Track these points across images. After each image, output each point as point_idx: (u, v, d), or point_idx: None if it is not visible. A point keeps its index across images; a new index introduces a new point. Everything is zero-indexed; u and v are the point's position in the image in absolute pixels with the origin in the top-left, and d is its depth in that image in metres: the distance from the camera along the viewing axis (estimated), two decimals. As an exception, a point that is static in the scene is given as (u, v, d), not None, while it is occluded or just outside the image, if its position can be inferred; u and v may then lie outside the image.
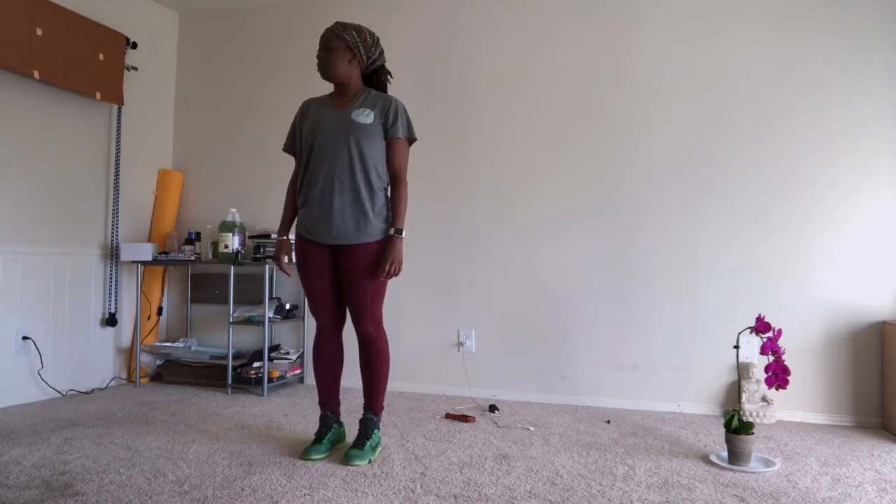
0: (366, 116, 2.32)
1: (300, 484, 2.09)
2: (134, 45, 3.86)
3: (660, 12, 3.35)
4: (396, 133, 2.36)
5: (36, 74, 3.20)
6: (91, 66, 3.51)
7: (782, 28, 3.17)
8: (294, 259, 2.53)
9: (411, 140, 2.43)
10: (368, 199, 2.32)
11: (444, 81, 3.71)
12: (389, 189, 2.41)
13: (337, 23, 2.35)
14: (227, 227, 3.66)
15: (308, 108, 2.45)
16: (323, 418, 2.46)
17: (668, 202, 3.29)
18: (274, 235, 3.67)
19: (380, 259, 2.32)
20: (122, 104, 3.75)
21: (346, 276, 2.35)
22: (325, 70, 2.34)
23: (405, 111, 2.41)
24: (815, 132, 3.11)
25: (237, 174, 4.11)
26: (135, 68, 3.91)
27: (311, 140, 2.36)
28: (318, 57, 2.34)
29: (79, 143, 3.59)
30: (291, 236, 2.50)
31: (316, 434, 2.43)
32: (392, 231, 2.32)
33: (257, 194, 4.04)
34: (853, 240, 3.05)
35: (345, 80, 2.36)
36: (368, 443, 2.35)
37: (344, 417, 2.91)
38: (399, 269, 2.31)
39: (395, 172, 2.38)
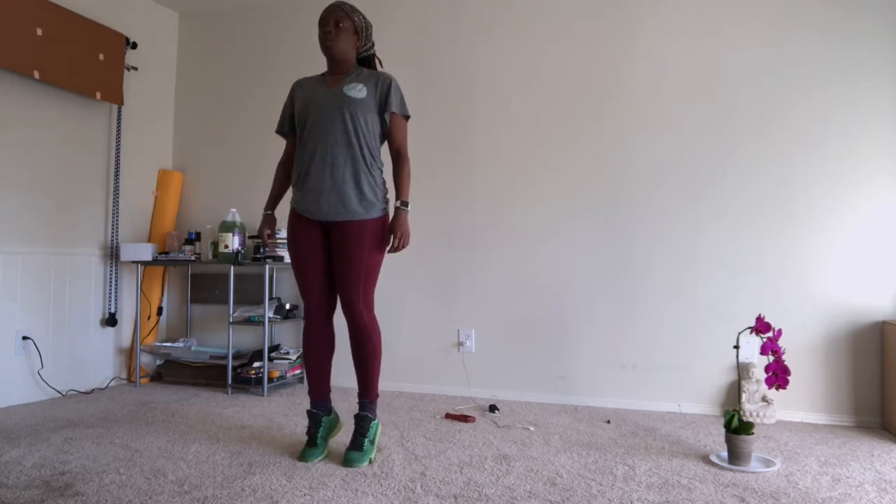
0: (358, 91, 2.33)
1: (300, 484, 2.09)
2: (134, 45, 3.87)
3: (660, 12, 3.35)
4: (391, 107, 2.37)
5: (36, 74, 3.20)
6: (91, 66, 3.52)
7: (782, 28, 3.17)
8: (279, 235, 2.50)
9: (405, 117, 2.43)
10: (363, 174, 2.31)
11: (444, 81, 3.71)
12: (384, 168, 2.43)
13: (344, 2, 2.36)
14: (227, 227, 3.66)
15: (299, 87, 2.46)
16: (311, 415, 2.40)
17: (668, 202, 3.29)
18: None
19: (385, 235, 2.35)
20: (122, 104, 3.75)
21: (339, 254, 2.32)
22: (334, 46, 2.34)
23: (398, 87, 2.41)
24: (815, 132, 3.11)
25: (237, 174, 4.11)
26: (135, 68, 3.92)
27: (304, 116, 2.36)
28: (327, 32, 2.33)
29: (79, 143, 3.59)
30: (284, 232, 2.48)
31: (307, 433, 2.38)
32: (398, 204, 2.31)
33: (257, 194, 4.04)
34: (853, 240, 3.05)
35: (347, 57, 2.39)
36: (366, 440, 2.33)
37: (344, 417, 2.91)
38: (406, 242, 2.31)
39: (397, 149, 2.40)
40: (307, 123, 2.35)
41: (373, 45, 2.48)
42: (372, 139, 2.35)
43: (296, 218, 2.40)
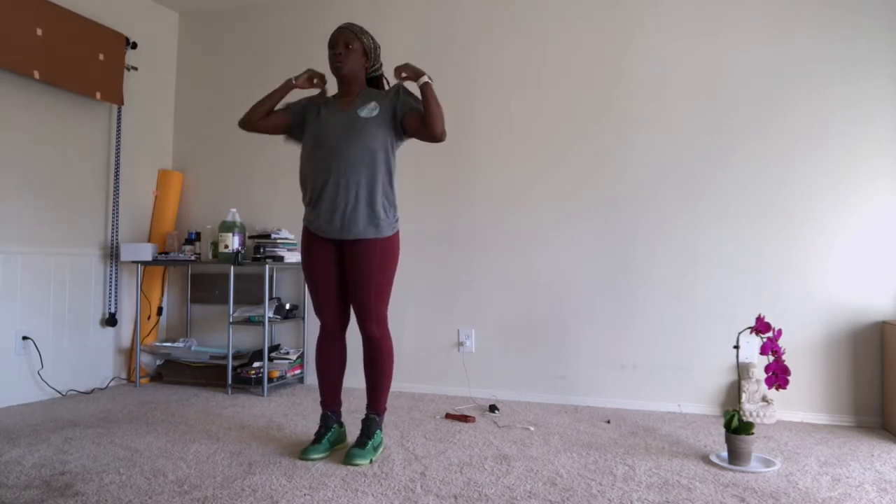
0: (371, 110, 2.34)
1: (300, 484, 2.09)
2: (134, 45, 3.86)
3: (660, 12, 3.35)
4: (408, 108, 2.34)
5: (36, 74, 3.20)
6: (91, 66, 3.51)
7: (782, 28, 3.17)
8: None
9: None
10: (376, 194, 2.32)
11: (445, 81, 3.70)
12: (395, 182, 2.42)
13: (353, 24, 2.39)
14: (227, 227, 3.66)
15: (317, 102, 2.46)
16: (323, 418, 2.46)
17: (669, 202, 3.29)
18: (274, 235, 3.67)
19: (396, 253, 2.37)
20: (122, 104, 3.75)
21: (351, 272, 2.35)
22: (343, 66, 2.35)
23: (406, 89, 2.40)
24: (816, 132, 3.11)
25: (237, 174, 4.11)
26: (135, 68, 3.92)
27: (315, 138, 2.36)
28: (337, 53, 2.34)
29: (79, 143, 3.59)
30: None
31: (315, 434, 2.43)
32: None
33: (257, 194, 4.04)
34: (853, 240, 3.05)
35: (356, 78, 2.40)
36: (370, 443, 2.35)
37: (345, 417, 2.91)
38: (405, 68, 2.31)
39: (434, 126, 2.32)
40: (319, 145, 2.35)
41: (381, 65, 2.50)
42: (388, 156, 2.36)
43: (309, 236, 2.43)
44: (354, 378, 3.45)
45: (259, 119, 2.44)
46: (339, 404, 2.52)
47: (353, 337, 2.66)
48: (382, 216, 2.33)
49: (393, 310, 3.69)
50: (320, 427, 2.44)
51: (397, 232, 2.41)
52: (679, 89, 3.30)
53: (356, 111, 2.34)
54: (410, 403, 3.33)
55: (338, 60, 2.35)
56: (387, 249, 2.36)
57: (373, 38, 2.42)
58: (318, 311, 2.45)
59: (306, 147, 2.41)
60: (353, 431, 2.67)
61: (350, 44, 2.35)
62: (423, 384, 3.64)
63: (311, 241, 2.42)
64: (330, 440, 2.41)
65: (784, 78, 3.16)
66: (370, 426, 2.40)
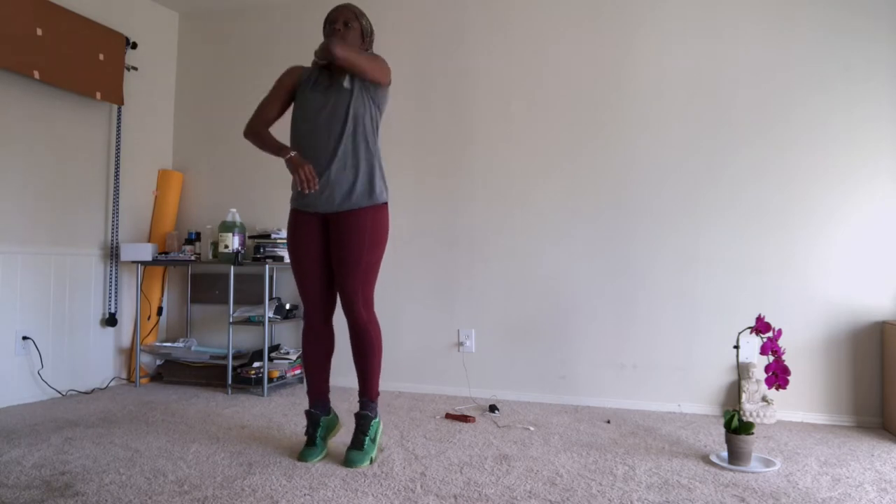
0: (348, 82, 2.33)
1: (300, 484, 2.09)
2: (134, 45, 3.87)
3: (660, 13, 3.35)
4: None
5: (36, 74, 3.20)
6: (91, 66, 3.52)
7: (782, 29, 3.17)
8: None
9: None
10: (362, 163, 2.32)
11: (445, 82, 3.70)
12: (380, 158, 2.41)
13: (353, 4, 2.36)
14: (227, 227, 3.66)
15: (301, 74, 2.44)
16: (309, 415, 2.41)
17: (669, 202, 3.29)
18: (274, 235, 3.67)
19: (385, 229, 2.37)
20: (122, 104, 3.75)
21: (337, 249, 2.33)
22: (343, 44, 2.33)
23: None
24: (816, 133, 3.11)
25: (237, 174, 4.11)
26: (135, 68, 3.92)
27: (303, 111, 2.36)
28: (336, 29, 2.33)
29: (79, 143, 3.59)
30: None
31: (306, 434, 2.39)
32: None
33: (257, 194, 4.04)
34: (853, 240, 3.05)
35: None
36: (367, 438, 2.33)
37: (344, 417, 2.91)
38: (327, 46, 2.16)
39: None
40: (305, 118, 2.35)
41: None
42: (368, 127, 2.34)
43: (295, 217, 2.41)
44: (352, 378, 3.45)
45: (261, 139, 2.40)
46: (327, 392, 2.48)
47: (342, 333, 2.65)
48: (367, 187, 2.32)
49: (392, 309, 3.70)
50: (308, 426, 2.40)
51: (387, 207, 2.39)
52: (679, 90, 3.30)
53: (340, 82, 2.33)
54: (410, 403, 3.33)
55: (337, 36, 2.32)
56: (377, 223, 2.33)
57: (370, 22, 2.41)
58: (303, 295, 2.41)
59: (295, 121, 2.40)
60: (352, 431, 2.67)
61: (350, 22, 2.34)
62: (423, 384, 3.64)
63: (297, 222, 2.40)
64: (322, 436, 2.39)
65: (784, 78, 3.16)
66: (364, 422, 2.35)
